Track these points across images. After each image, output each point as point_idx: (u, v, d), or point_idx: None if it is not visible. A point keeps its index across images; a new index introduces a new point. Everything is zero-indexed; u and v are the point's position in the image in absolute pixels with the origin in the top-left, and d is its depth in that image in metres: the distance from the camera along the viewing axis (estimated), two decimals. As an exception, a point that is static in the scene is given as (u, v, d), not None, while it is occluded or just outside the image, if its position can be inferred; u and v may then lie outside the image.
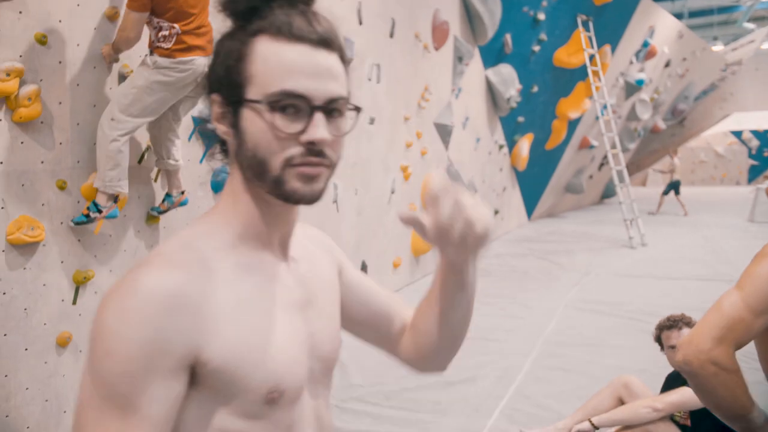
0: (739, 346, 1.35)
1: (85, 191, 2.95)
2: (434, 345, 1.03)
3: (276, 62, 0.80)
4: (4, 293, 2.66)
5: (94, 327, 0.76)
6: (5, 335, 2.69)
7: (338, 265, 1.07)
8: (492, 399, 3.74)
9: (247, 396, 0.81)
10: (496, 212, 10.22)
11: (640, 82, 12.87)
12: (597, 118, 10.62)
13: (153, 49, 2.89)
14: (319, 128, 0.80)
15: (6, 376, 2.70)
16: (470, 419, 3.47)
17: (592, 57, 10.42)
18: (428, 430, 3.33)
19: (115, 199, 2.91)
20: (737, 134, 23.84)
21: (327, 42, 0.83)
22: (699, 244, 9.24)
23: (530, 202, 12.17)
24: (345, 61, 0.87)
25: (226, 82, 0.82)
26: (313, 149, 0.81)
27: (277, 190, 0.82)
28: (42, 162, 2.76)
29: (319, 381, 0.94)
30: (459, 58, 7.75)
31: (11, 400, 2.73)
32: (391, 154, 6.26)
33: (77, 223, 2.86)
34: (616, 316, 5.50)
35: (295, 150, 0.81)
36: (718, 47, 21.02)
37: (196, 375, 0.79)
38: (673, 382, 2.85)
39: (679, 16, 21.34)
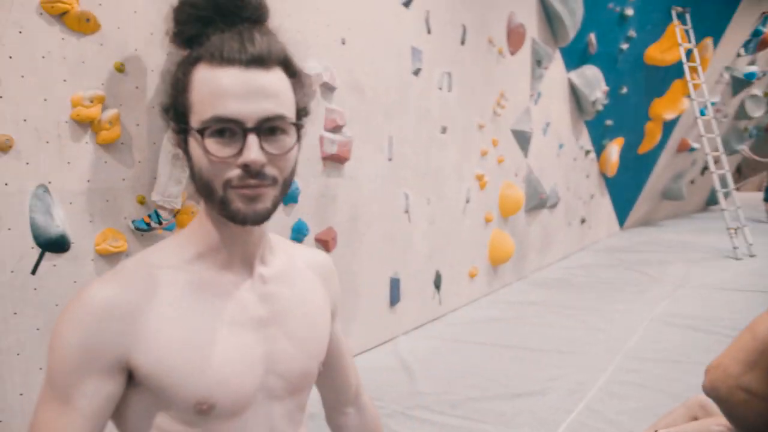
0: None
1: (162, 205, 3.31)
2: None
3: (208, 89, 0.85)
4: (90, 299, 3.05)
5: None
6: (92, 338, 3.07)
7: (333, 301, 1.14)
8: (560, 413, 3.78)
9: (177, 404, 0.90)
10: (583, 221, 10.07)
11: (750, 76, 12.25)
12: (696, 118, 10.22)
13: None
14: (251, 151, 0.85)
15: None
16: None
17: (689, 52, 10.06)
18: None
19: (174, 214, 3.24)
20: None
21: (260, 60, 0.86)
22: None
23: (622, 210, 11.86)
24: (293, 74, 0.92)
25: (174, 112, 0.90)
26: (250, 171, 0.86)
27: (224, 210, 0.89)
28: (123, 179, 3.14)
29: (279, 398, 0.99)
30: (538, 62, 7.77)
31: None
32: (465, 163, 6.39)
33: (137, 228, 3.17)
34: (708, 332, 5.34)
35: (234, 173, 0.87)
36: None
37: (134, 377, 0.89)
38: None
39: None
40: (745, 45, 12.11)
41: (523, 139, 7.60)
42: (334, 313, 1.15)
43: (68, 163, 2.89)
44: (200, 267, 0.95)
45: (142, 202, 3.22)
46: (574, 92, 8.99)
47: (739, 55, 12.14)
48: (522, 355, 4.89)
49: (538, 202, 8.12)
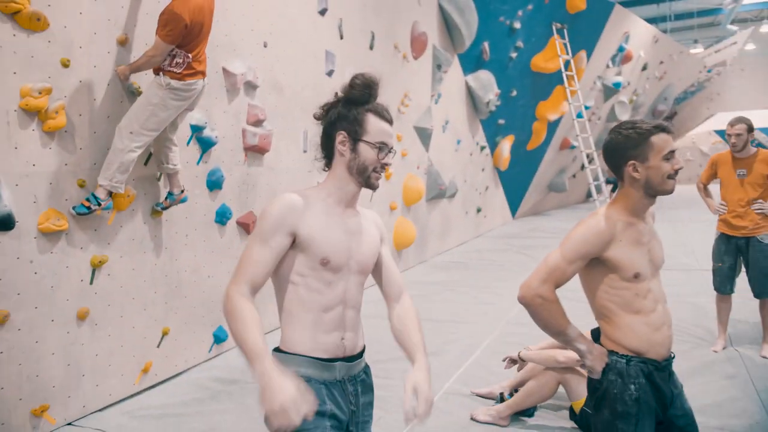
0: (557, 285, 1.97)
1: (101, 189, 3.49)
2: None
3: (377, 128, 1.76)
4: (35, 273, 3.21)
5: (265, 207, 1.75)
6: (36, 308, 3.24)
7: (381, 235, 1.94)
8: (452, 368, 4.30)
9: (312, 256, 1.73)
10: (479, 210, 10.77)
11: (617, 85, 13.44)
12: (573, 120, 11.16)
13: (164, 72, 3.40)
14: (389, 158, 1.78)
15: (36, 342, 3.25)
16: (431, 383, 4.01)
17: (567, 63, 10.95)
18: (394, 390, 3.87)
19: (110, 194, 3.45)
20: (720, 133, 24.43)
21: (391, 122, 1.80)
22: (669, 238, 9.77)
23: (514, 200, 12.70)
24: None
25: (353, 129, 1.76)
26: (385, 165, 1.78)
27: (366, 181, 1.78)
28: (66, 164, 3.32)
29: (353, 271, 1.80)
30: (438, 66, 8.30)
31: (41, 362, 3.27)
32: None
33: (79, 213, 3.35)
34: (577, 300, 6.00)
35: (378, 164, 1.77)
36: (697, 50, 21.54)
37: (295, 241, 1.72)
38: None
39: (663, 19, 21.96)
40: (613, 58, 13.29)
41: (424, 135, 8.12)
42: (382, 239, 1.95)
43: (16, 148, 3.06)
44: (329, 201, 1.79)
45: (82, 185, 3.41)
46: (470, 94, 9.61)
47: (608, 67, 13.29)
48: (422, 325, 5.36)
49: (438, 192, 8.68)
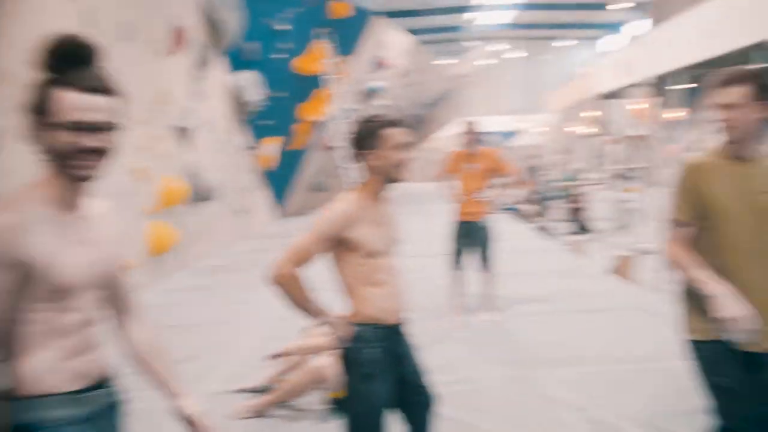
0: (300, 264, 2.09)
1: None
2: None
3: (69, 103, 1.36)
4: None
5: None
6: None
7: (119, 233, 1.66)
8: (214, 369, 4.27)
9: (47, 284, 1.39)
10: (245, 211, 10.53)
11: (375, 89, 14.25)
12: (333, 121, 11.52)
13: None
14: (93, 139, 1.38)
15: None
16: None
17: (329, 66, 11.27)
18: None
19: None
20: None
21: (102, 90, 1.39)
22: (418, 228, 10.49)
23: (281, 200, 12.69)
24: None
25: (39, 112, 1.38)
26: (90, 150, 1.38)
27: (69, 174, 1.40)
28: None
29: (93, 287, 1.50)
30: (200, 64, 7.91)
31: None
32: (125, 157, 6.20)
33: None
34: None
35: (75, 150, 1.37)
36: (445, 61, 23.89)
37: (23, 271, 1.37)
38: None
39: (418, 32, 23.86)
40: (371, 64, 14.07)
41: (185, 135, 7.67)
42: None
43: None
44: (50, 209, 1.42)
45: None
46: (235, 94, 9.35)
47: (367, 72, 14.02)
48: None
49: (201, 194, 8.27)
